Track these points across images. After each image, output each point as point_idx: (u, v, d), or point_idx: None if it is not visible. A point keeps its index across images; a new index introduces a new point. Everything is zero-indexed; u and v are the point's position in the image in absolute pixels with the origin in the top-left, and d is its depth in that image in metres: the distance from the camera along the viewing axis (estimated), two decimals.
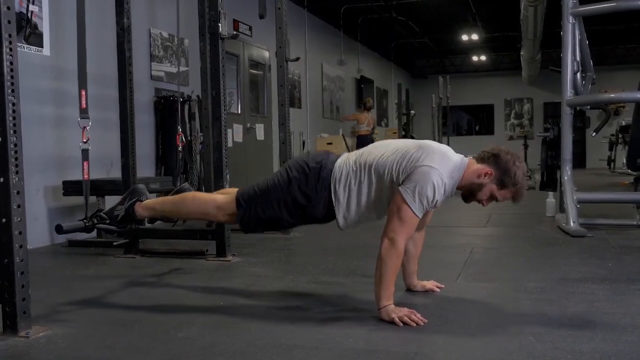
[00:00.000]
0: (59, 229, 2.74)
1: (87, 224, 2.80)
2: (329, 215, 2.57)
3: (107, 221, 2.84)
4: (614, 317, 2.40)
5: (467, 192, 2.53)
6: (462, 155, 2.57)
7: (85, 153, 2.71)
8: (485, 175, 2.46)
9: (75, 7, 3.32)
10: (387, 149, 2.53)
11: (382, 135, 14.16)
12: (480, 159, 2.52)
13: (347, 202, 2.51)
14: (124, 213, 2.81)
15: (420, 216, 2.41)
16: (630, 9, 4.83)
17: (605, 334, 2.18)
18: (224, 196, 2.73)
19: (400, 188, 2.38)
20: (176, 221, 3.13)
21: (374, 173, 2.48)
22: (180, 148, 4.36)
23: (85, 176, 2.75)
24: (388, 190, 2.46)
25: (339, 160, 2.58)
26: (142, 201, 2.82)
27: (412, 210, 2.35)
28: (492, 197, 2.53)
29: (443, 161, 2.43)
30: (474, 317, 2.49)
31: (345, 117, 11.78)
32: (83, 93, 2.72)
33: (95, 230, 3.01)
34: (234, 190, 2.76)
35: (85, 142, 2.71)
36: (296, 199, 2.53)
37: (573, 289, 2.89)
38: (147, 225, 4.18)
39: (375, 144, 2.66)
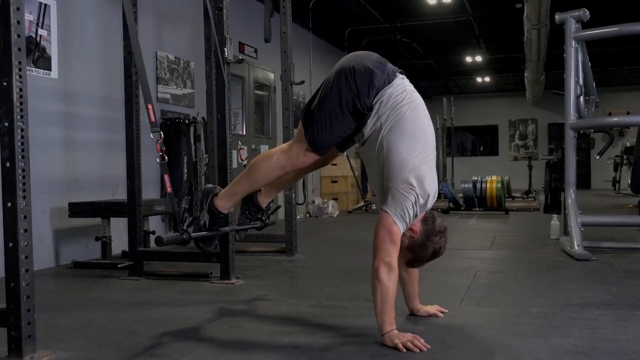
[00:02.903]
0: (159, 241, 2.59)
1: (184, 237, 2.64)
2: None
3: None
4: (618, 344, 2.39)
5: None
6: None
7: (163, 166, 2.67)
8: (410, 231, 2.52)
9: (83, 31, 3.37)
10: (409, 140, 2.49)
11: None
12: (424, 219, 2.55)
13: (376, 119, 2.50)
14: (208, 216, 2.74)
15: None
16: (632, 33, 4.87)
17: None
18: (281, 145, 2.70)
19: (388, 210, 2.41)
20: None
21: (384, 140, 2.46)
22: (185, 171, 4.39)
23: (169, 189, 2.70)
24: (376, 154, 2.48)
25: (397, 86, 2.68)
26: (217, 194, 2.76)
27: (400, 231, 2.42)
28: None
29: (423, 189, 2.44)
30: (477, 342, 2.49)
31: None
32: (150, 107, 2.69)
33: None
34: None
35: (161, 156, 2.67)
36: (349, 94, 2.46)
37: (577, 315, 2.88)
38: (153, 247, 4.19)
39: (417, 117, 2.62)
